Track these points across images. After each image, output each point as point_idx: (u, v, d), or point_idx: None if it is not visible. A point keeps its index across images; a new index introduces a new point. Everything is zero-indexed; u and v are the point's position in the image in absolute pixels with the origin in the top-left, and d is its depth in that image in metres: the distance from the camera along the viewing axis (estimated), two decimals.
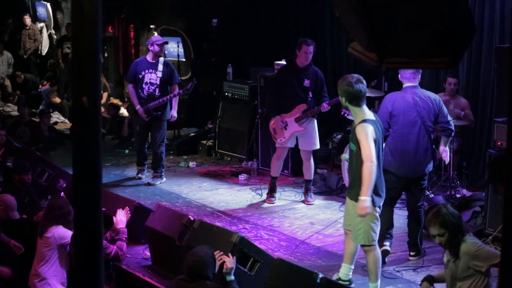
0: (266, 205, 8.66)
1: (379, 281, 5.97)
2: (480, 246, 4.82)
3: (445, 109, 6.74)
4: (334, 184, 9.16)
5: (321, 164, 10.25)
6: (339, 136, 10.17)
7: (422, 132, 6.61)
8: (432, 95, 6.79)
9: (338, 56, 11.40)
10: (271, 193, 8.77)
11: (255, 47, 12.63)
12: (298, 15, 12.11)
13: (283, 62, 9.73)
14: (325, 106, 8.30)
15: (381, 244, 6.90)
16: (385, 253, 6.68)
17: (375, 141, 5.65)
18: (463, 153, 9.09)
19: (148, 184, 9.45)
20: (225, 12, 13.26)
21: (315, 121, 8.54)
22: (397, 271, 6.59)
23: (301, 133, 8.49)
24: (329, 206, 8.61)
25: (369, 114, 5.76)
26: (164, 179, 9.59)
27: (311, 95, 8.42)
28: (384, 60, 1.97)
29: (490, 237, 7.07)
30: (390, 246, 6.92)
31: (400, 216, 7.97)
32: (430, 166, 6.77)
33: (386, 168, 6.55)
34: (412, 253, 6.87)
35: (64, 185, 8.00)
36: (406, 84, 6.72)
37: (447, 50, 1.93)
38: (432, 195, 8.16)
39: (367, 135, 5.60)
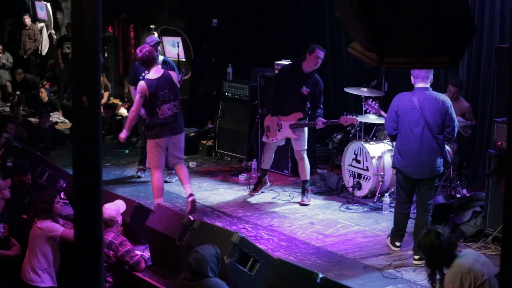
0: (266, 205, 8.67)
1: (157, 198, 7.86)
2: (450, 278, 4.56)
3: (452, 113, 6.71)
4: (334, 184, 9.16)
5: (321, 164, 10.26)
6: (339, 136, 10.17)
7: (426, 133, 6.64)
8: (441, 96, 6.79)
9: (338, 56, 11.39)
10: (256, 186, 9.00)
11: (255, 47, 12.62)
12: (298, 15, 12.10)
13: (283, 62, 9.73)
14: (319, 125, 8.28)
15: (393, 244, 7.09)
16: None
17: (150, 94, 7.64)
18: (463, 153, 9.09)
19: (165, 181, 9.52)
20: (225, 12, 13.25)
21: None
22: (397, 271, 6.59)
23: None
24: (329, 206, 8.61)
25: (152, 75, 7.75)
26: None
27: (308, 105, 8.41)
28: (384, 60, 1.97)
29: (490, 237, 7.07)
30: (399, 246, 7.05)
31: None
32: (438, 168, 6.73)
33: (395, 166, 7.01)
34: (416, 257, 6.74)
35: (64, 185, 8.00)
36: (417, 85, 6.76)
37: (447, 50, 1.93)
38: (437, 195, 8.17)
39: (137, 91, 7.74)
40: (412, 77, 6.86)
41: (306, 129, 8.57)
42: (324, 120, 8.30)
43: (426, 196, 6.81)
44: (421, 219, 6.81)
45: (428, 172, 6.73)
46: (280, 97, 8.51)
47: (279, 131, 8.56)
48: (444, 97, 6.81)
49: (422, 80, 6.71)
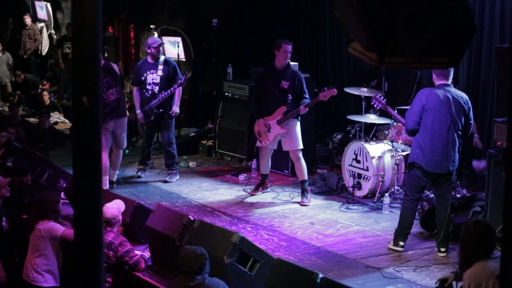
0: (266, 205, 8.67)
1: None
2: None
3: (471, 111, 6.94)
4: (334, 184, 9.17)
5: (321, 164, 10.26)
6: (339, 136, 10.17)
7: (452, 130, 6.82)
8: (464, 95, 6.97)
9: (338, 56, 11.39)
10: (257, 187, 9.09)
11: (255, 47, 12.62)
12: (298, 15, 12.10)
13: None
14: (302, 109, 8.37)
15: (396, 244, 7.08)
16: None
17: None
18: (463, 153, 9.07)
19: (165, 181, 9.59)
20: (225, 12, 13.26)
21: (297, 122, 8.60)
22: (397, 271, 6.59)
23: (283, 135, 8.57)
24: (329, 206, 8.61)
25: None
26: (178, 176, 9.69)
27: (290, 97, 8.47)
28: (384, 60, 1.97)
29: None
30: (403, 246, 7.05)
31: None
32: (456, 163, 6.93)
33: (414, 161, 6.97)
34: (442, 250, 6.83)
35: (64, 185, 7.99)
36: (439, 82, 6.90)
37: (447, 50, 1.93)
38: (432, 195, 8.16)
39: None
40: (434, 75, 7.00)
41: (298, 127, 8.59)
42: (306, 103, 8.39)
43: (447, 192, 6.96)
44: (444, 213, 6.92)
45: (447, 167, 6.87)
46: (263, 100, 8.67)
47: (269, 131, 8.62)
48: (465, 96, 6.99)
49: (445, 78, 6.86)
